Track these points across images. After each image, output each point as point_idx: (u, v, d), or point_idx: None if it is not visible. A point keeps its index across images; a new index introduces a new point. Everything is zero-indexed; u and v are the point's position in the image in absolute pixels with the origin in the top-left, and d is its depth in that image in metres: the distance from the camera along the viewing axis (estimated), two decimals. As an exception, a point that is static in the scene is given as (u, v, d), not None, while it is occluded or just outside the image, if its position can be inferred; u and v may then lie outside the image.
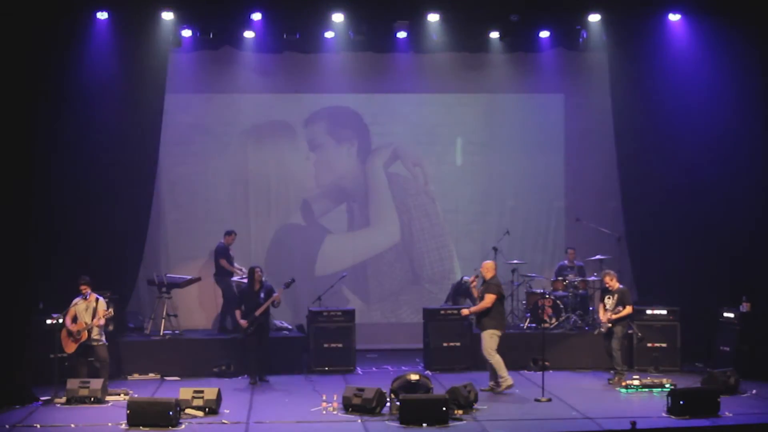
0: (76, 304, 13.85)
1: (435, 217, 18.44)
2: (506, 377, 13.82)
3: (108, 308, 14.01)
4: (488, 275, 13.96)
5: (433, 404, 12.22)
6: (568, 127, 18.40)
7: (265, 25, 16.49)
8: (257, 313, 14.53)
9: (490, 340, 13.84)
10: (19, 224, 14.23)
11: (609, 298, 14.61)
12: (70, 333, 13.79)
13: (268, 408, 13.13)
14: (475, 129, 18.43)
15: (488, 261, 14.25)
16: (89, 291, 13.92)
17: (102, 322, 13.89)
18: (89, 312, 13.83)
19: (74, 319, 13.83)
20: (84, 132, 15.55)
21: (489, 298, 13.78)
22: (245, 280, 15.43)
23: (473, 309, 14.08)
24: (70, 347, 13.84)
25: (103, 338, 14.01)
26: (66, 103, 15.40)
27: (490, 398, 13.48)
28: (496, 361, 13.81)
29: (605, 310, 14.60)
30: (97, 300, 13.94)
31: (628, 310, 14.50)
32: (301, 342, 15.99)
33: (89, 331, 13.81)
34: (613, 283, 14.65)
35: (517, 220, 18.30)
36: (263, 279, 15.05)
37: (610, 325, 14.48)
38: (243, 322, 14.57)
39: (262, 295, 14.64)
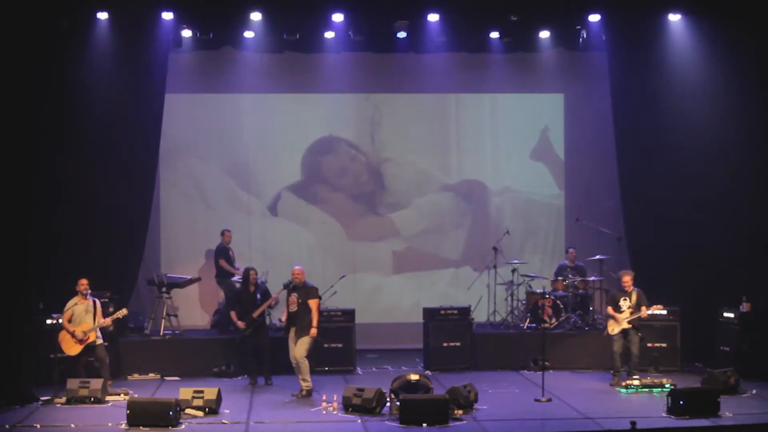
0: (76, 304, 13.82)
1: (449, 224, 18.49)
2: (309, 381, 13.75)
3: (109, 308, 14.00)
4: (303, 278, 13.86)
5: (433, 404, 12.22)
6: (568, 127, 18.42)
7: (265, 25, 16.48)
8: (255, 314, 14.50)
9: (309, 345, 13.75)
10: (18, 224, 14.23)
11: (625, 299, 14.50)
12: (73, 335, 13.74)
13: (268, 408, 13.13)
14: (475, 129, 18.43)
15: (298, 266, 14.03)
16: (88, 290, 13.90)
17: (109, 321, 13.87)
18: (90, 313, 13.80)
19: (69, 320, 13.78)
20: (84, 132, 15.55)
21: (316, 303, 13.78)
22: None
23: (315, 323, 13.67)
24: (74, 349, 13.78)
25: (102, 338, 13.99)
26: (66, 103, 15.40)
27: (490, 398, 13.44)
28: (306, 365, 13.72)
29: (619, 311, 14.43)
30: (94, 301, 13.92)
31: (645, 310, 14.33)
32: (301, 342, 15.99)
33: (95, 332, 13.79)
34: (630, 284, 14.54)
35: (517, 220, 18.31)
36: (262, 280, 15.04)
37: (629, 326, 14.36)
38: (241, 324, 14.55)
39: (258, 296, 14.61)
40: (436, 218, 18.45)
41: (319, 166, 18.29)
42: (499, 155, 18.46)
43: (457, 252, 18.39)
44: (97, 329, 13.86)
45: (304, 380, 13.73)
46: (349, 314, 16.00)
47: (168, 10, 15.80)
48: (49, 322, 14.16)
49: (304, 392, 13.71)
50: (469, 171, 18.47)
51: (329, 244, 18.24)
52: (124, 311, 14.07)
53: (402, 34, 17.10)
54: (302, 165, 18.25)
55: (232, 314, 14.70)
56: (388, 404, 12.70)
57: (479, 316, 17.01)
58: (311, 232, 18.25)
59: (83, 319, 13.80)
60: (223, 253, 16.60)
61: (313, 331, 13.73)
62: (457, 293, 17.73)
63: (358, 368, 15.86)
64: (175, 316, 16.19)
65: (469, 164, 18.47)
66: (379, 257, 18.32)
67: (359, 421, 12.34)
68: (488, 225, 18.35)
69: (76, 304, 13.81)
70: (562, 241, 18.33)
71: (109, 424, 12.16)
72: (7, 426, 12.09)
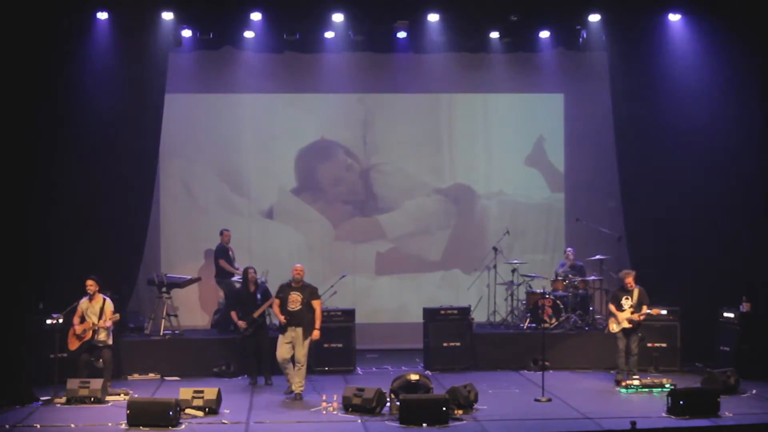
0: (76, 305, 13.81)
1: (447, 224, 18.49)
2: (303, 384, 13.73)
3: (115, 312, 14.04)
4: (303, 276, 13.76)
5: (433, 404, 12.21)
6: (568, 127, 18.43)
7: (265, 25, 16.48)
8: (255, 315, 14.50)
9: (310, 347, 13.74)
10: (18, 224, 14.23)
11: (627, 298, 14.50)
12: (76, 333, 13.74)
13: (268, 408, 13.13)
14: (475, 129, 18.44)
15: (299, 264, 13.93)
16: (96, 290, 13.86)
17: (109, 323, 13.85)
18: (95, 312, 13.79)
19: (81, 319, 13.79)
20: (84, 132, 15.55)
21: (320, 304, 13.78)
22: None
23: (318, 324, 13.68)
24: (73, 344, 13.79)
25: (110, 340, 13.94)
26: (65, 103, 15.40)
27: (490, 398, 13.45)
28: (305, 370, 13.66)
29: (620, 310, 14.47)
30: (104, 301, 13.90)
31: (645, 309, 14.36)
32: (301, 342, 15.99)
33: (96, 332, 13.74)
34: (632, 283, 14.56)
35: (517, 220, 18.31)
36: (262, 280, 15.03)
37: (630, 325, 14.37)
38: (242, 324, 14.54)
39: (258, 296, 14.60)
40: (426, 220, 18.46)
41: (315, 172, 18.26)
42: (497, 154, 18.44)
43: (452, 253, 18.38)
44: (110, 332, 13.81)
45: (300, 383, 13.69)
46: (349, 314, 16.00)
47: (168, 10, 15.81)
48: (49, 322, 14.13)
49: (298, 396, 13.64)
50: (465, 173, 18.47)
51: (326, 246, 18.23)
52: (116, 316, 13.93)
53: (402, 34, 17.11)
54: (302, 168, 18.25)
55: (233, 314, 14.68)
56: (388, 404, 12.70)
57: (479, 316, 17.00)
58: (308, 234, 18.24)
59: (88, 318, 13.79)
60: (222, 253, 16.59)
61: (317, 333, 13.72)
62: (457, 294, 17.73)
63: (358, 368, 15.86)
64: (175, 316, 16.19)
65: (464, 165, 18.46)
66: (374, 258, 18.30)
67: (359, 421, 12.33)
68: (486, 227, 18.33)
69: (76, 304, 13.81)
70: (562, 241, 18.34)
71: (109, 424, 12.15)
72: (7, 426, 12.08)
